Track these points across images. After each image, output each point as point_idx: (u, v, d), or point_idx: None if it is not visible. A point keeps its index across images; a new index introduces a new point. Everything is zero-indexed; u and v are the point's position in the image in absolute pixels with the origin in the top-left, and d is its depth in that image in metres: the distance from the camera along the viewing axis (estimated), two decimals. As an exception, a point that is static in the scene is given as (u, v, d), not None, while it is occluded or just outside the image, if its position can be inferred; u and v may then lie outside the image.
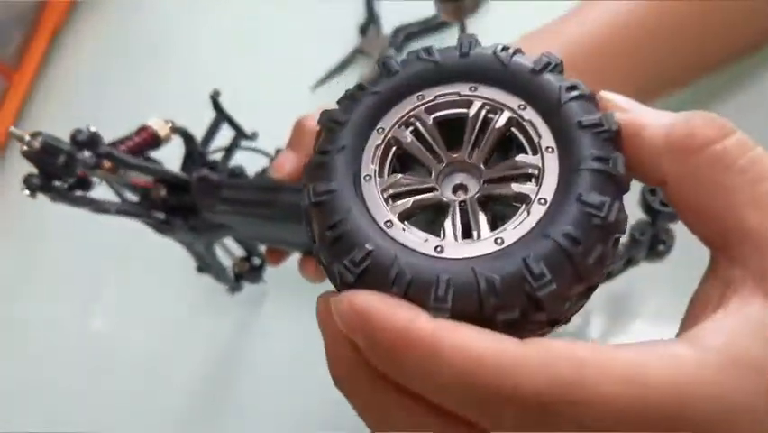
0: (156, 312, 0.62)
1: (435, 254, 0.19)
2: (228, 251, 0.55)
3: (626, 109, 0.20)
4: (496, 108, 0.22)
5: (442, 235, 0.20)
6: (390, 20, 0.67)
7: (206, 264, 0.54)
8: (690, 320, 0.19)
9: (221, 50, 0.73)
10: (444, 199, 0.21)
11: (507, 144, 0.22)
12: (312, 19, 0.70)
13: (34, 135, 0.34)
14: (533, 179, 0.20)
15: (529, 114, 0.21)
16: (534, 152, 0.20)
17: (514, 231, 0.19)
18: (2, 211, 0.71)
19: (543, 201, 0.19)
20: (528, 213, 0.19)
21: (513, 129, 0.21)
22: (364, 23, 0.67)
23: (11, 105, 0.75)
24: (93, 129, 0.37)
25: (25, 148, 0.34)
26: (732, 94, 0.51)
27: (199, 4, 0.76)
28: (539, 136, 0.21)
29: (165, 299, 0.63)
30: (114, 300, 0.65)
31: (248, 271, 0.56)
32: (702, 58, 0.45)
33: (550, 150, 0.20)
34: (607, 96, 0.21)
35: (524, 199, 0.20)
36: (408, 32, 0.66)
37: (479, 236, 0.19)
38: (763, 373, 0.16)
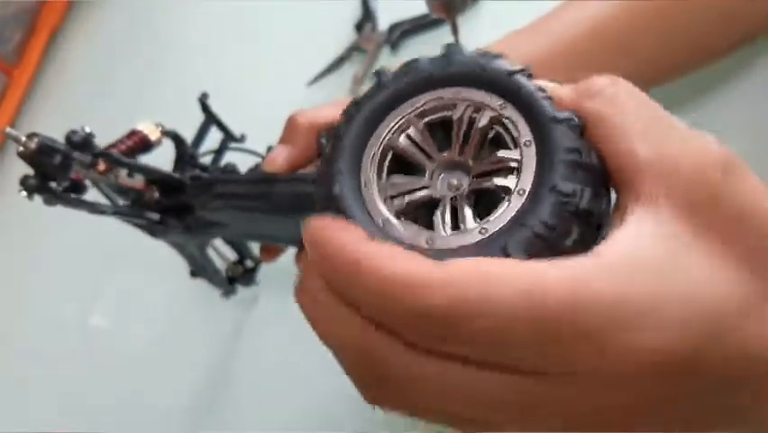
0: (150, 315, 0.63)
1: (428, 247, 0.21)
2: (221, 255, 0.56)
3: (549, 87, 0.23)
4: (479, 108, 0.23)
5: (436, 230, 0.22)
6: (386, 17, 0.68)
7: (200, 268, 0.55)
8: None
9: (217, 48, 0.74)
10: (435, 195, 0.23)
11: (498, 139, 0.24)
12: (308, 16, 0.71)
13: (30, 136, 0.35)
14: (515, 172, 0.22)
15: (509, 111, 0.23)
16: (516, 146, 0.22)
17: (496, 221, 0.21)
18: (2, 208, 0.72)
19: (521, 192, 0.21)
20: (509, 203, 0.21)
21: (496, 126, 0.23)
22: (360, 20, 0.68)
23: (11, 102, 0.77)
24: (87, 130, 0.37)
25: (21, 149, 0.34)
26: (712, 91, 0.51)
27: (196, 2, 0.77)
28: (518, 132, 0.22)
29: (159, 302, 0.64)
30: (110, 303, 0.66)
31: (241, 275, 0.57)
32: (692, 52, 0.45)
33: (528, 143, 0.22)
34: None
35: (507, 191, 0.21)
36: (404, 29, 0.66)
37: (465, 228, 0.21)
38: (659, 273, 0.18)
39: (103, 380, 0.61)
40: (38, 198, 0.37)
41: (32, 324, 0.66)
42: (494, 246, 0.20)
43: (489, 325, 0.17)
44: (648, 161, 0.19)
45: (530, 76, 0.23)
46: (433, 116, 0.24)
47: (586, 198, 0.20)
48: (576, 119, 0.21)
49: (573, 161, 0.20)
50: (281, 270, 0.62)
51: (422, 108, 0.24)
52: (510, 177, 0.22)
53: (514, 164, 0.22)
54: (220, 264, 0.56)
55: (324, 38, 0.69)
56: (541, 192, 0.20)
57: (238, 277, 0.57)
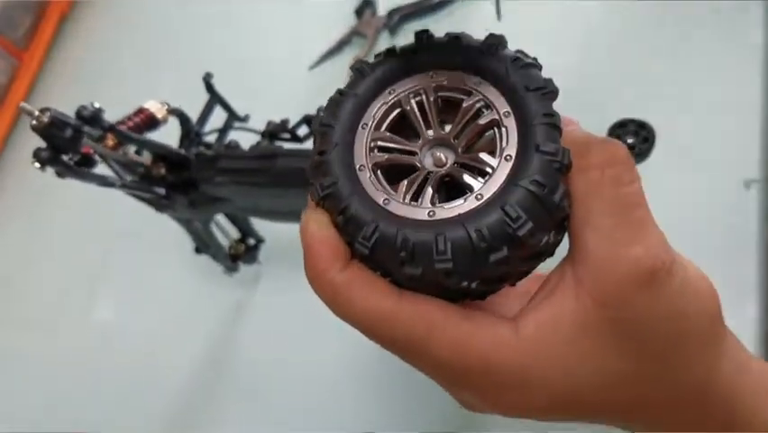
0: (155, 295, 0.66)
1: (383, 205, 0.23)
2: (225, 233, 0.58)
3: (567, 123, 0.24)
4: (488, 106, 0.25)
5: (400, 194, 0.23)
6: (385, 2, 0.70)
7: (204, 245, 0.57)
8: (539, 291, 0.24)
9: (223, 33, 0.76)
10: (416, 164, 0.25)
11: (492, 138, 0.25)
12: (309, 1, 0.73)
13: (43, 111, 0.37)
14: (486, 177, 0.23)
15: (510, 122, 0.24)
16: (499, 156, 0.23)
17: (445, 210, 0.22)
18: (13, 190, 0.74)
19: (479, 197, 0.22)
20: (464, 201, 0.22)
21: (494, 128, 0.24)
22: (360, 5, 0.70)
23: (21, 86, 0.79)
24: (97, 105, 0.39)
25: (34, 122, 0.36)
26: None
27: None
28: (507, 144, 0.23)
29: (164, 281, 0.66)
30: (115, 282, 0.68)
31: (244, 253, 0.59)
32: None
33: (509, 158, 0.23)
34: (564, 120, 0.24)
35: (470, 190, 0.23)
36: (403, 14, 0.68)
37: (419, 204, 0.23)
38: (556, 359, 0.22)
39: (105, 361, 0.63)
40: (43, 189, 0.38)
41: (37, 310, 0.69)
42: (429, 231, 0.22)
43: (426, 362, 0.23)
44: (593, 255, 0.22)
45: (550, 94, 0.24)
46: (446, 94, 0.26)
47: (526, 229, 0.21)
48: (561, 161, 0.22)
49: (534, 192, 0.22)
50: (282, 249, 0.64)
51: (441, 83, 0.25)
52: (480, 179, 0.23)
53: (489, 169, 0.23)
54: (224, 242, 0.58)
55: (325, 23, 0.71)
56: (492, 206, 0.22)
57: (240, 255, 0.59)
